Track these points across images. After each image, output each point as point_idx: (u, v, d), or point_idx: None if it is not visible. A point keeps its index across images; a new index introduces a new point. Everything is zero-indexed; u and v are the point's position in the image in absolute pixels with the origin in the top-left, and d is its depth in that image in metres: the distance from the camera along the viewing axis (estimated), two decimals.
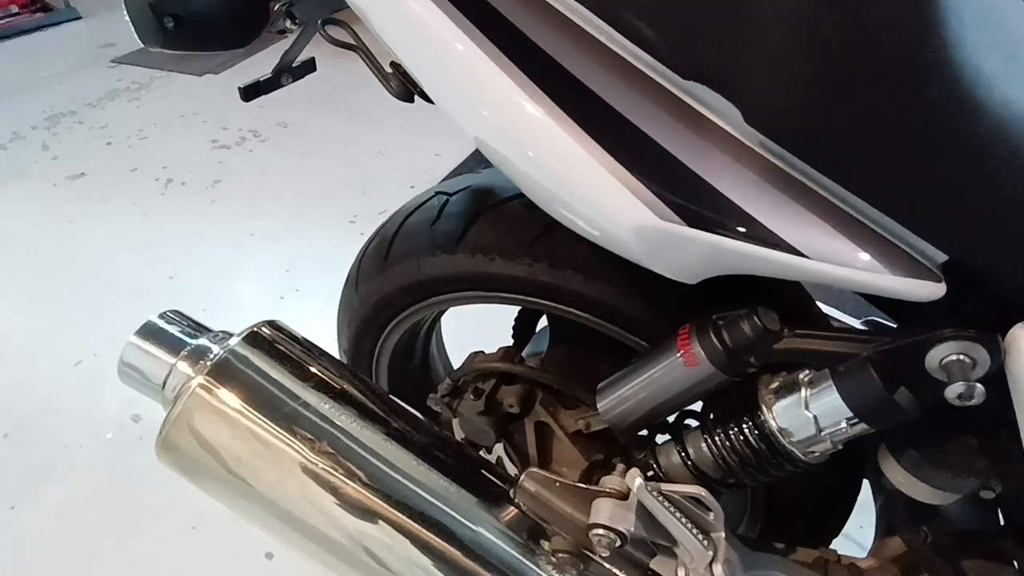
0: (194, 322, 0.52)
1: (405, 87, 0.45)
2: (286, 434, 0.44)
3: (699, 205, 0.33)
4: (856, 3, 0.28)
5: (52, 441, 1.18)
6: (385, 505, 0.44)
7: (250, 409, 0.44)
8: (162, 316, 0.51)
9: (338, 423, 0.45)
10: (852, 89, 0.29)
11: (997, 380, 0.35)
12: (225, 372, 0.45)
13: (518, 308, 0.80)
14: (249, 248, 1.68)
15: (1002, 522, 0.53)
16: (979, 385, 0.33)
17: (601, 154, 0.33)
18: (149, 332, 0.49)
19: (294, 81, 0.67)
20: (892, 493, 0.49)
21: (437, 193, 0.66)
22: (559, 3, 0.33)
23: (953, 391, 0.33)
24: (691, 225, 0.33)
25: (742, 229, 0.32)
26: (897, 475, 0.44)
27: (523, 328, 0.84)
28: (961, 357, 0.34)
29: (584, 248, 0.53)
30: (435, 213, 0.64)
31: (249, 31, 0.45)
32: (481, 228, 0.59)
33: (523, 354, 0.72)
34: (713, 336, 0.42)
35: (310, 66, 0.65)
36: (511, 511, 0.48)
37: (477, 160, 2.04)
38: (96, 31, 3.08)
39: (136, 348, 0.49)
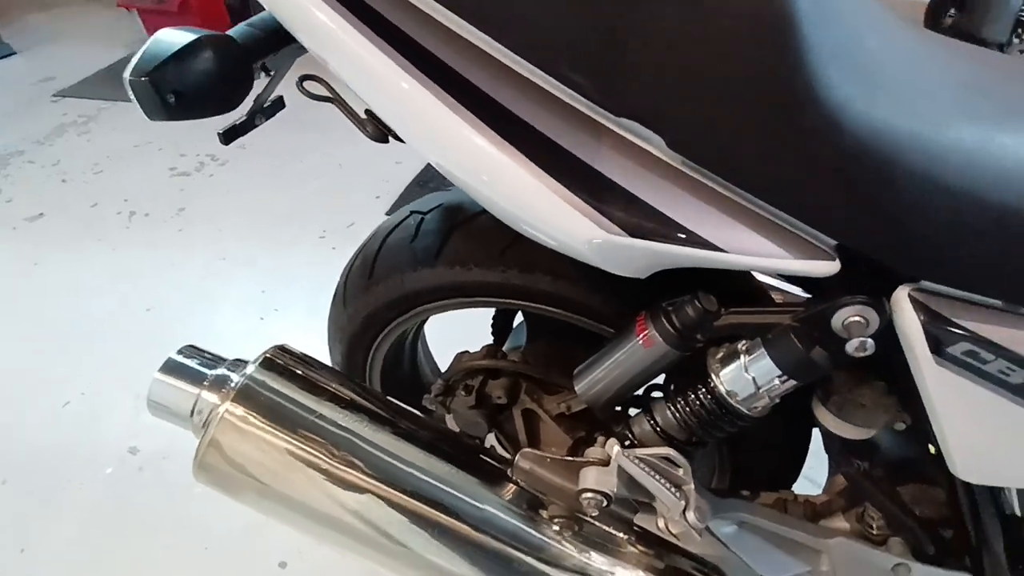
0: (210, 354, 0.57)
1: (379, 130, 0.51)
2: (308, 444, 0.50)
3: (637, 218, 0.40)
4: (744, 61, 0.35)
5: (53, 482, 1.21)
6: (402, 495, 0.51)
7: (274, 426, 0.50)
8: (180, 352, 0.56)
9: (352, 429, 0.52)
10: (749, 121, 0.37)
11: (890, 333, 0.44)
12: (247, 396, 0.51)
13: (494, 309, 0.88)
14: (223, 273, 1.70)
15: (932, 451, 0.63)
16: (870, 340, 0.42)
17: (551, 182, 0.41)
18: (171, 368, 0.55)
19: (266, 120, 0.72)
20: (831, 435, 0.58)
21: (412, 212, 0.73)
22: (508, 60, 0.40)
23: (851, 346, 0.42)
24: (632, 236, 0.40)
25: (673, 235, 0.40)
26: (827, 419, 0.53)
27: (501, 327, 0.91)
28: (857, 318, 0.43)
29: (549, 252, 0.60)
30: (413, 231, 0.70)
31: (239, 93, 0.50)
32: (456, 242, 0.66)
33: (504, 349, 0.79)
34: (664, 320, 0.50)
35: (279, 104, 0.70)
36: (511, 488, 0.56)
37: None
38: (34, 66, 3.01)
39: (162, 383, 0.54)
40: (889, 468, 0.62)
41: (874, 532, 0.59)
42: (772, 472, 0.74)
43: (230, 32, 0.50)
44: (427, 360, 1.03)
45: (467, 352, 0.79)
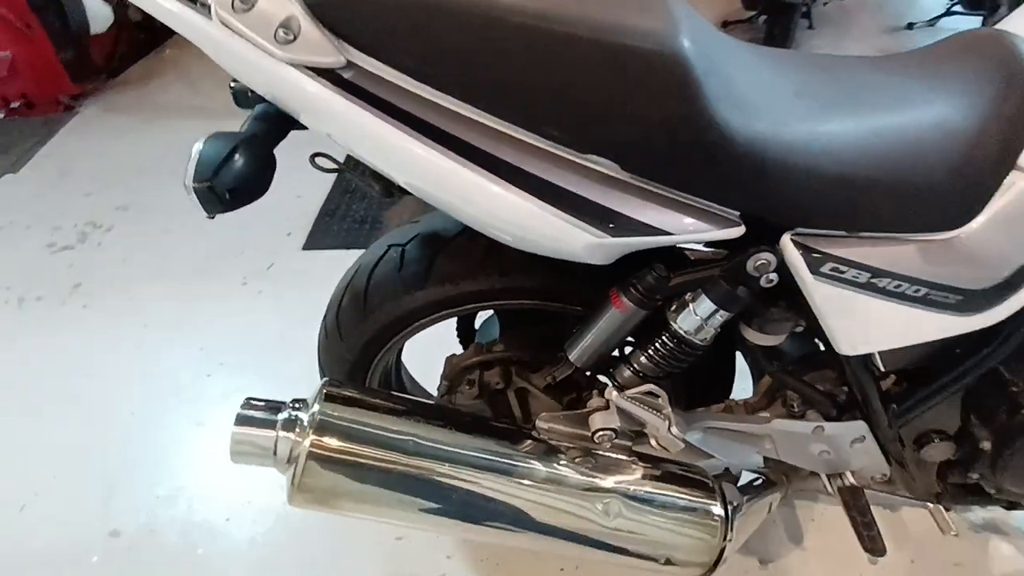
0: (267, 400, 0.66)
1: (386, 188, 0.63)
2: (382, 451, 0.61)
3: (612, 222, 0.56)
4: (665, 106, 0.52)
5: None
6: (463, 470, 0.63)
7: (351, 445, 0.61)
8: (243, 406, 0.64)
9: (412, 431, 0.64)
10: (675, 143, 0.54)
11: (784, 266, 0.64)
12: (324, 427, 0.61)
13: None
14: (152, 341, 1.66)
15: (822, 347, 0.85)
16: (773, 273, 0.61)
17: (548, 208, 0.55)
18: (244, 420, 0.63)
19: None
20: (753, 349, 0.79)
21: (390, 246, 0.84)
22: (502, 127, 0.54)
23: (762, 281, 0.61)
24: (611, 236, 0.56)
25: (637, 229, 0.57)
26: (752, 335, 0.73)
27: (464, 331, 1.04)
28: (762, 261, 0.62)
29: (520, 257, 0.75)
30: (398, 262, 0.81)
31: (270, 177, 0.59)
32: (442, 263, 0.78)
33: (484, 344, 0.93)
34: (632, 290, 0.67)
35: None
36: (540, 445, 0.70)
37: (342, 191, 2.15)
38: None
39: (241, 435, 0.62)
40: (795, 361, 0.84)
41: (795, 409, 0.81)
42: (715, 389, 0.94)
43: (249, 129, 0.59)
44: (404, 371, 1.14)
45: (454, 355, 0.92)
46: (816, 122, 0.60)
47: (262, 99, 0.62)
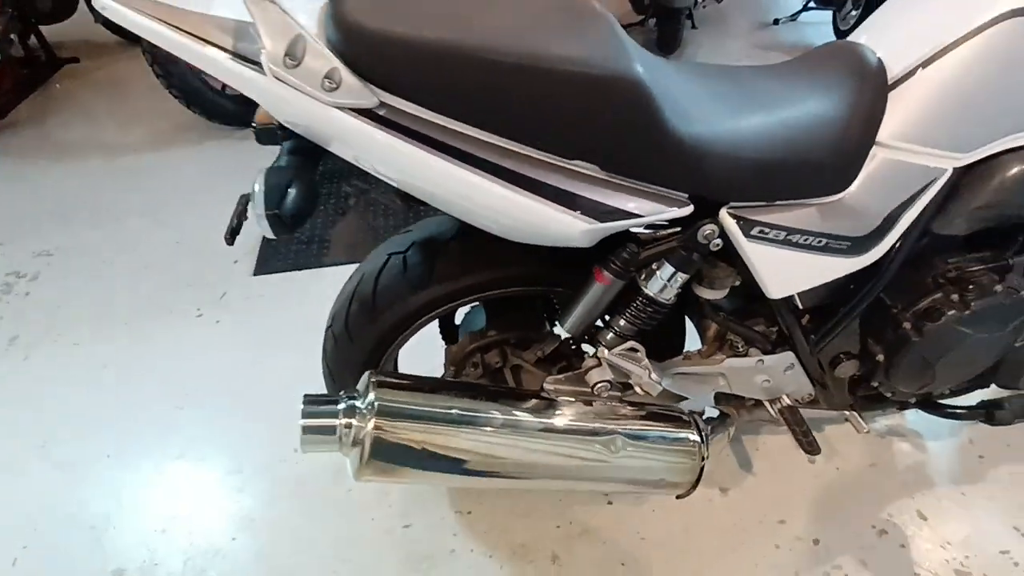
0: (323, 395, 0.75)
1: (407, 201, 0.75)
2: (432, 423, 0.73)
3: (600, 211, 0.72)
4: (629, 118, 0.68)
5: None
6: (501, 429, 0.77)
7: (407, 423, 0.72)
8: (305, 403, 0.74)
9: (452, 403, 0.76)
10: (639, 146, 0.71)
11: (724, 234, 0.82)
12: (382, 410, 0.72)
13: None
14: (112, 381, 1.64)
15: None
16: (718, 239, 0.79)
17: (553, 205, 0.70)
18: (309, 414, 0.73)
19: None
20: (702, 305, 0.97)
21: (391, 255, 0.95)
22: (505, 143, 0.68)
23: (711, 247, 0.80)
24: (600, 222, 0.72)
25: (618, 215, 0.73)
26: (703, 292, 0.92)
27: (447, 327, 1.17)
28: (709, 231, 0.80)
29: (510, 251, 0.89)
30: (401, 267, 0.93)
31: (317, 201, 0.70)
32: (443, 264, 0.91)
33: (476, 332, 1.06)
34: (612, 266, 0.82)
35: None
36: (551, 403, 0.85)
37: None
38: None
39: (309, 427, 0.72)
40: (735, 311, 1.04)
41: (739, 350, 1.00)
42: (673, 345, 1.12)
43: (291, 162, 0.69)
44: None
45: (453, 345, 1.05)
46: (734, 121, 0.78)
47: (287, 136, 0.72)
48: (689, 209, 0.78)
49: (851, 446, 1.40)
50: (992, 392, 1.17)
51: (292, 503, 1.35)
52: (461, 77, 0.65)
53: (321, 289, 1.89)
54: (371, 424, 0.71)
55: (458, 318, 1.18)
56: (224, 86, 2.63)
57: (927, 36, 0.82)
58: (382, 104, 0.65)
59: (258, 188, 0.65)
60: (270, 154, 0.80)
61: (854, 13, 2.88)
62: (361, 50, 0.62)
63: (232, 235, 0.80)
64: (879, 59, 0.84)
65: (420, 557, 1.25)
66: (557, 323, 0.89)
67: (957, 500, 1.29)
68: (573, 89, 0.66)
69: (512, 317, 1.05)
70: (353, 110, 0.64)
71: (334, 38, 0.63)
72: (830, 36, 3.12)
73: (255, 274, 1.97)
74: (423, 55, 0.64)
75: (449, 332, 1.17)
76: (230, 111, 2.61)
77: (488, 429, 0.77)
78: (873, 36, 0.88)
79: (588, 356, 0.89)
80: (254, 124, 0.74)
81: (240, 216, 0.82)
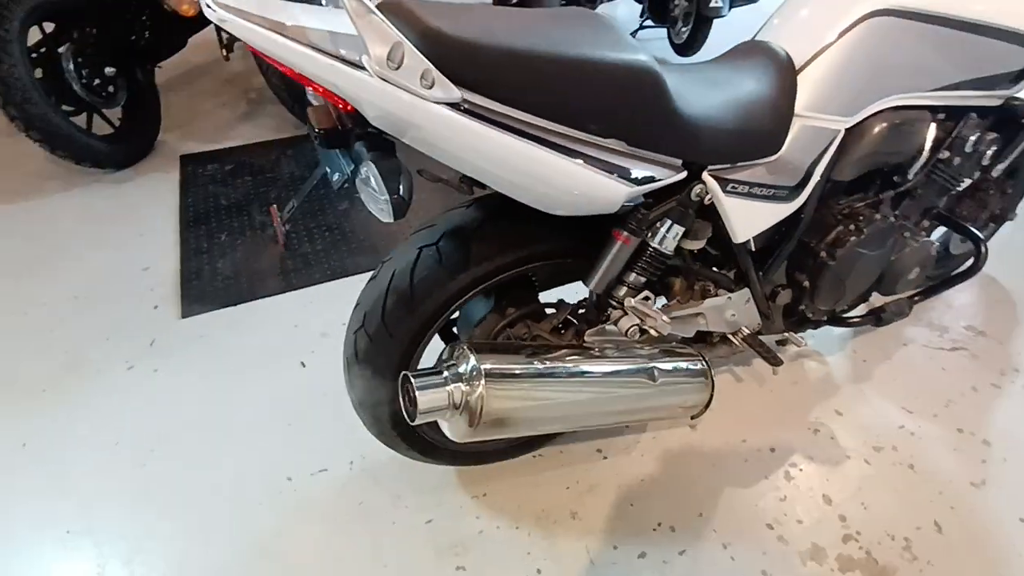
0: (422, 369, 0.81)
1: (470, 185, 0.84)
2: (525, 378, 0.83)
3: (630, 177, 0.88)
4: (652, 106, 0.86)
5: None
6: (574, 376, 0.89)
7: (509, 380, 0.81)
8: (416, 377, 0.80)
9: (533, 359, 0.86)
10: (658, 125, 0.88)
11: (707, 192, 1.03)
12: (489, 373, 0.81)
13: None
14: (47, 452, 1.45)
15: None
16: (707, 196, 1.00)
17: (602, 175, 0.85)
18: (421, 387, 0.79)
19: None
20: (685, 257, 1.17)
21: (421, 248, 1.02)
22: (561, 128, 0.81)
23: (704, 202, 1.00)
24: (635, 186, 0.88)
25: (644, 180, 0.89)
26: (686, 243, 1.12)
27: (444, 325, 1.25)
28: (698, 190, 1.00)
29: (544, 226, 1.01)
30: (436, 257, 1.01)
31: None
32: (477, 248, 1.01)
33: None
34: (630, 227, 0.99)
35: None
36: (596, 351, 0.99)
37: (195, 252, 2.05)
38: None
39: (425, 400, 0.78)
40: (704, 257, 1.25)
41: (711, 292, 1.22)
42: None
43: (378, 154, 0.76)
44: None
45: (476, 329, 1.14)
46: (708, 101, 0.99)
47: (361, 136, 0.79)
48: (684, 174, 0.97)
49: (776, 374, 1.70)
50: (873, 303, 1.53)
51: (306, 529, 1.32)
52: (527, 75, 0.78)
53: (259, 321, 1.84)
54: (480, 387, 0.79)
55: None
56: (90, 125, 2.41)
57: (816, 33, 1.10)
58: (463, 100, 0.75)
59: (372, 177, 0.71)
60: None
61: (685, 30, 3.40)
62: (447, 54, 0.72)
63: (285, 240, 0.83)
64: (787, 52, 1.11)
65: (451, 545, 1.30)
66: (583, 283, 1.04)
67: (858, 396, 1.64)
68: (610, 80, 0.82)
69: (520, 296, 1.17)
70: (445, 103, 0.73)
71: (420, 45, 0.72)
72: (668, 50, 3.63)
73: (184, 316, 1.85)
74: (498, 59, 0.75)
75: (445, 331, 1.25)
76: (101, 152, 2.39)
77: (568, 378, 0.88)
78: (776, 35, 1.15)
79: (613, 309, 1.05)
80: (317, 130, 0.79)
81: (287, 222, 0.85)
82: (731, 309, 1.24)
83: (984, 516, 1.37)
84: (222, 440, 1.49)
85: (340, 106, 0.76)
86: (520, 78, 0.77)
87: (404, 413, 0.83)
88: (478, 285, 1.03)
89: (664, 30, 3.63)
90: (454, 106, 0.74)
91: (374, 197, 0.75)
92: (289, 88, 2.47)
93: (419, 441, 1.21)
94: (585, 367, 0.92)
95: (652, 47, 3.83)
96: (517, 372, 0.84)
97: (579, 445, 1.50)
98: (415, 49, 0.70)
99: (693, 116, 0.93)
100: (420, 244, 1.03)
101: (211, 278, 1.98)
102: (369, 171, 0.74)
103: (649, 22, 3.73)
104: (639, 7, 3.80)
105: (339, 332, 1.80)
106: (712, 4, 3.11)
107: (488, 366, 0.82)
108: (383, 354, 1.05)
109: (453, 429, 0.83)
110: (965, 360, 1.75)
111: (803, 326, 1.43)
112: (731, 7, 3.18)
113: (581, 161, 0.83)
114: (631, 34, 3.84)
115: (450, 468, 1.43)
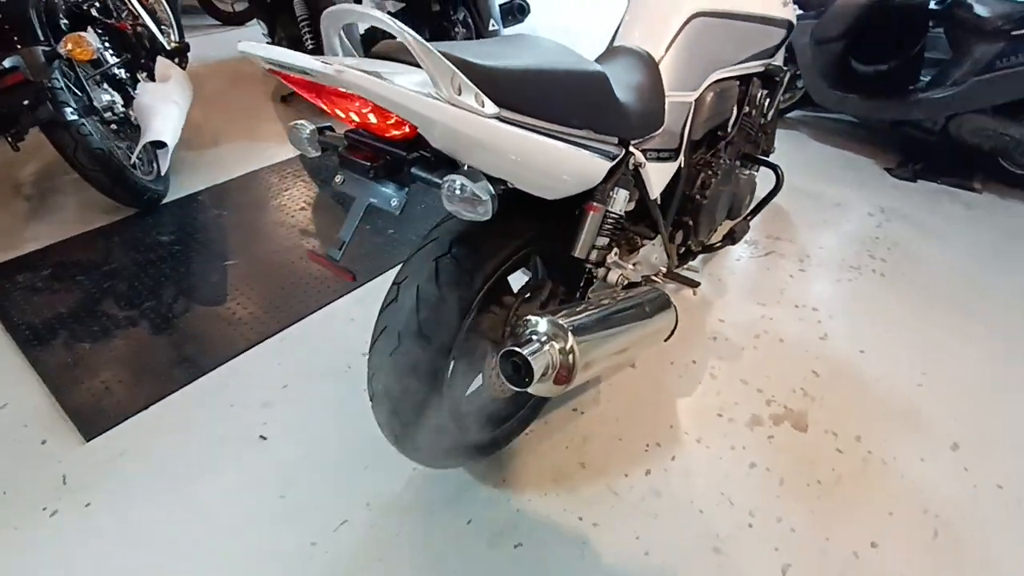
0: (518, 341, 0.93)
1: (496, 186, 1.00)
2: (591, 327, 1.01)
3: (605, 155, 1.11)
4: (603, 102, 1.10)
5: None
6: (617, 319, 1.10)
7: (583, 331, 0.98)
8: (523, 350, 0.91)
9: (590, 312, 1.05)
10: (609, 116, 1.13)
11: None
12: (573, 329, 0.97)
13: None
14: None
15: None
16: (637, 164, 1.28)
17: (591, 154, 1.07)
18: (532, 354, 0.91)
19: None
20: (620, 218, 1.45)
21: (436, 260, 1.12)
22: (560, 128, 1.01)
23: (637, 170, 1.28)
24: (610, 161, 1.12)
25: (611, 156, 1.14)
26: (630, 206, 1.39)
27: None
28: (634, 160, 1.28)
29: (526, 218, 1.19)
30: (453, 262, 1.12)
31: None
32: (487, 247, 1.14)
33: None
34: (597, 198, 1.22)
35: None
36: (611, 300, 1.20)
37: (62, 367, 1.75)
38: None
39: (537, 360, 0.90)
40: (634, 215, 1.54)
41: (638, 243, 1.52)
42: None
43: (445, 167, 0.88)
44: None
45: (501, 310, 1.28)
46: (628, 90, 1.28)
47: (394, 170, 0.91)
48: (622, 149, 1.24)
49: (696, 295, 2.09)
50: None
51: None
52: (531, 88, 0.97)
53: (185, 416, 1.68)
54: (571, 340, 0.94)
55: None
56: None
57: (661, 35, 1.46)
58: (499, 114, 0.91)
59: (469, 187, 0.83)
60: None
61: None
62: (481, 80, 0.88)
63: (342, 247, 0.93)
64: (646, 51, 1.45)
65: (498, 532, 1.40)
66: (570, 253, 1.25)
67: (727, 305, 2.11)
68: (578, 84, 1.05)
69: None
70: (495, 118, 0.89)
71: (466, 75, 0.86)
72: None
73: (88, 439, 1.59)
74: (512, 79, 0.93)
75: None
76: None
77: (610, 322, 1.08)
78: (631, 40, 1.49)
79: (599, 268, 1.28)
80: (371, 166, 0.88)
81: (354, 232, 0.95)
82: (653, 254, 1.56)
83: (837, 357, 1.90)
84: (216, 547, 1.36)
85: (399, 134, 0.87)
86: (526, 91, 0.96)
87: (509, 385, 0.95)
88: (494, 275, 1.17)
89: None
90: (496, 117, 0.90)
91: (471, 201, 0.86)
92: (105, 168, 2.21)
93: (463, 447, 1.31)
94: (614, 312, 1.12)
95: None
96: (584, 324, 1.01)
97: (557, 411, 1.69)
98: (466, 79, 0.84)
99: (624, 104, 1.20)
100: (434, 256, 1.14)
101: (98, 391, 1.72)
102: (460, 182, 0.85)
103: None
104: None
105: (283, 395, 1.73)
106: (491, 28, 3.53)
107: (569, 322, 0.98)
108: (424, 363, 1.13)
109: (552, 388, 0.97)
110: (777, 259, 2.35)
111: (688, 258, 1.82)
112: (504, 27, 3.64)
113: (575, 147, 1.04)
114: None
115: (462, 477, 1.51)
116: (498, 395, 1.37)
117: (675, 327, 1.36)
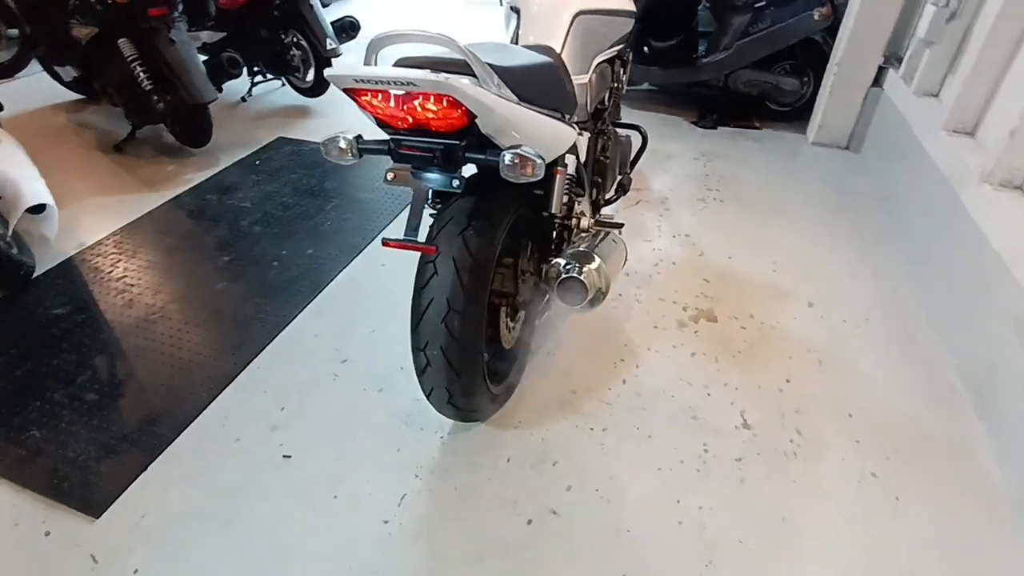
0: (566, 273, 1.20)
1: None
2: (600, 254, 1.32)
3: (571, 126, 1.42)
4: (560, 86, 1.41)
5: None
6: (606, 243, 1.41)
7: (605, 258, 1.29)
8: (575, 275, 1.18)
9: (585, 244, 1.35)
10: (567, 99, 1.45)
11: None
12: (598, 255, 1.27)
13: None
14: None
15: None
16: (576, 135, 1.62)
17: (570, 129, 1.37)
18: (584, 275, 1.19)
19: None
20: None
21: (463, 231, 1.34)
22: (544, 110, 1.30)
23: (580, 139, 1.62)
24: (578, 134, 1.43)
25: (574, 130, 1.45)
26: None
27: None
28: (578, 129, 1.61)
29: (514, 191, 1.46)
30: (477, 232, 1.34)
31: None
32: (495, 215, 1.39)
33: None
34: (561, 164, 1.52)
35: None
36: (590, 236, 1.52)
37: None
38: None
39: (588, 281, 1.19)
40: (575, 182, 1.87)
41: (579, 194, 1.87)
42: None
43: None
44: None
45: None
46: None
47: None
48: (572, 123, 1.57)
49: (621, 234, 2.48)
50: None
51: (448, 534, 1.47)
52: (531, 81, 1.24)
53: (189, 467, 1.66)
54: (599, 262, 1.24)
55: None
56: None
57: (557, 32, 1.80)
58: (519, 101, 1.18)
59: (529, 151, 1.08)
60: None
61: (311, 75, 3.82)
62: (505, 78, 1.14)
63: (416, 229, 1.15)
64: (549, 46, 1.78)
65: (535, 461, 1.65)
66: (546, 211, 1.54)
67: (631, 242, 2.56)
68: (546, 74, 1.35)
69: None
70: (515, 102, 1.15)
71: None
72: (292, 94, 3.99)
73: (99, 516, 1.51)
74: (513, 74, 1.20)
75: None
76: None
77: (602, 252, 1.39)
78: (535, 39, 1.80)
79: (573, 219, 1.59)
80: (435, 155, 1.09)
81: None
82: (584, 207, 1.92)
83: (715, 265, 2.45)
84: (293, 554, 1.43)
85: (450, 128, 1.09)
86: (527, 83, 1.23)
87: (563, 305, 1.23)
88: (502, 237, 1.42)
89: (278, 81, 3.97)
90: (519, 104, 1.16)
91: (531, 164, 1.10)
92: None
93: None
94: (599, 244, 1.44)
95: (275, 97, 4.10)
96: (599, 252, 1.32)
97: (536, 360, 1.98)
98: (497, 75, 1.10)
99: (567, 88, 1.52)
100: (459, 231, 1.35)
101: (80, 472, 1.60)
102: (522, 151, 1.10)
103: (260, 78, 3.98)
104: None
105: (286, 416, 1.78)
106: (329, 47, 3.61)
107: (595, 251, 1.27)
108: (471, 320, 1.35)
109: (596, 300, 1.27)
110: (645, 205, 2.87)
111: (598, 210, 2.21)
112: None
113: (558, 122, 1.34)
114: (244, 97, 4.01)
115: (484, 431, 1.72)
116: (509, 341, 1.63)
117: (627, 252, 1.73)
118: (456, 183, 1.18)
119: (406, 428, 1.73)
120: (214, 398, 1.83)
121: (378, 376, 1.90)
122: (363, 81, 0.96)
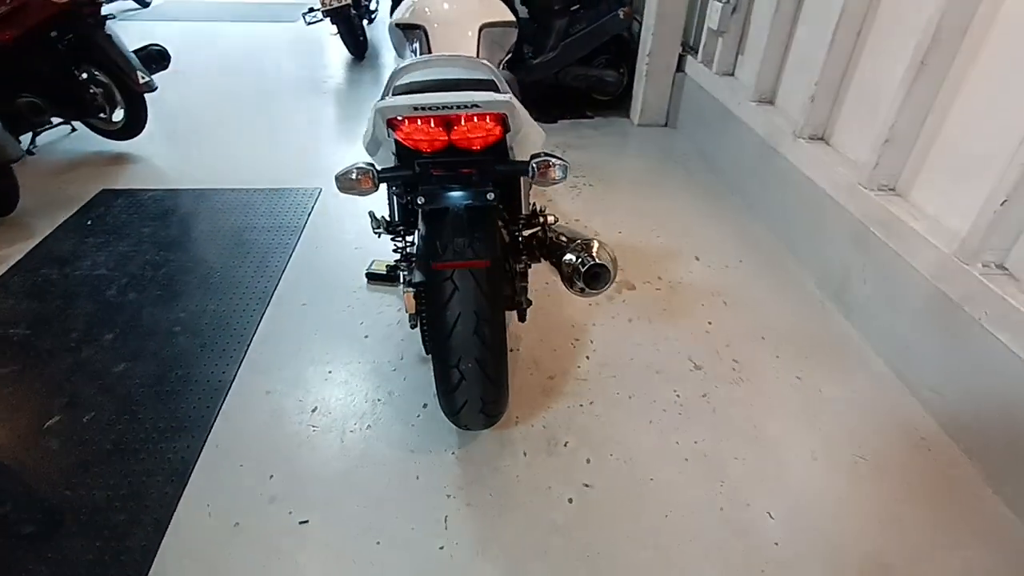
0: (589, 261, 1.32)
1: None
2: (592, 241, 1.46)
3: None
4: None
5: None
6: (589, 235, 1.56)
7: (602, 243, 1.43)
8: (592, 265, 1.30)
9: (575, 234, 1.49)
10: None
11: None
12: (599, 242, 1.39)
13: None
14: None
15: None
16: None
17: (540, 128, 1.48)
18: (604, 260, 1.31)
19: None
20: None
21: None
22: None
23: None
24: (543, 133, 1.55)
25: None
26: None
27: None
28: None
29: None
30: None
31: None
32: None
33: None
34: (533, 165, 1.63)
35: None
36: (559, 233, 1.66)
37: None
38: None
39: (610, 264, 1.32)
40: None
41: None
42: None
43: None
44: None
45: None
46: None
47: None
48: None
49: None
50: None
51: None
52: (517, 88, 1.33)
53: (202, 539, 1.46)
54: (599, 246, 1.39)
55: None
56: None
57: (471, 44, 1.89)
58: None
59: (560, 160, 1.16)
60: None
61: (119, 115, 3.30)
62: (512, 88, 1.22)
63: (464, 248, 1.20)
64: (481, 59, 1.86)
65: (547, 444, 1.75)
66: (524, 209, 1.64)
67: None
68: (515, 84, 1.44)
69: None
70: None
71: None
72: (93, 140, 3.42)
73: None
74: (512, 83, 1.28)
75: None
76: None
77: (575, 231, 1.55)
78: (449, 53, 1.87)
79: (540, 215, 1.70)
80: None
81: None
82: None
83: (612, 240, 2.75)
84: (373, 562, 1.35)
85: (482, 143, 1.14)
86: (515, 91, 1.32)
87: (586, 290, 1.35)
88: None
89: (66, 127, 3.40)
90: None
91: (563, 168, 1.18)
92: None
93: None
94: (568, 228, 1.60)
95: (69, 145, 3.48)
96: (583, 236, 1.47)
97: (522, 373, 2.06)
98: (507, 85, 1.18)
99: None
100: (468, 243, 1.39)
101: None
102: (555, 159, 1.16)
103: (67, 126, 3.36)
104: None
105: (287, 470, 1.63)
106: (142, 80, 3.18)
107: (595, 239, 1.41)
108: (499, 326, 1.41)
109: (606, 278, 1.41)
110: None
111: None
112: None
113: (538, 127, 1.45)
114: (30, 150, 3.34)
115: (490, 430, 1.78)
116: None
117: None
118: (491, 196, 1.23)
119: (415, 454, 1.70)
120: (180, 492, 1.59)
121: (358, 414, 1.83)
122: (424, 109, 0.97)
